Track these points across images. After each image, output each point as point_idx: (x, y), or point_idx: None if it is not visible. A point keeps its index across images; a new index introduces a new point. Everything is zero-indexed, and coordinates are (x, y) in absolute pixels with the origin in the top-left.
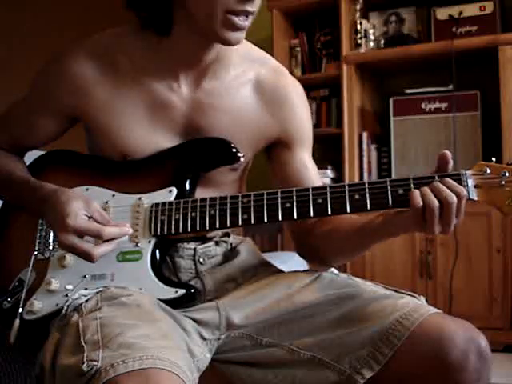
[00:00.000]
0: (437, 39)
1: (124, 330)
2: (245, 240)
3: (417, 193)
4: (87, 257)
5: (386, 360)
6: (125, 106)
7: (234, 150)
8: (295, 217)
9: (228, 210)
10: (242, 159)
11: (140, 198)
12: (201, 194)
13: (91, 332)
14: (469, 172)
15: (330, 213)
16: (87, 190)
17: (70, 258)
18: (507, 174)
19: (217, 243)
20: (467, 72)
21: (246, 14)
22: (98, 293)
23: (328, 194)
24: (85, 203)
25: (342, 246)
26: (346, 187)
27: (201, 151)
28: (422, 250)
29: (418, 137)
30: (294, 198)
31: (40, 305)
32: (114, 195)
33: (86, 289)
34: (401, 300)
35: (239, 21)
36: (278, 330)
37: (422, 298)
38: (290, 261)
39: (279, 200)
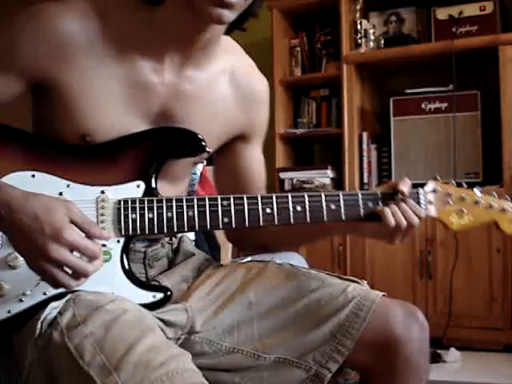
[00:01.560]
0: (437, 39)
1: (129, 346)
2: (183, 238)
3: (389, 211)
4: (78, 275)
5: (349, 351)
6: (102, 79)
7: (203, 144)
8: (276, 222)
9: (208, 213)
10: (210, 151)
11: (103, 192)
12: (158, 187)
13: (89, 353)
14: (425, 190)
15: (308, 221)
16: (33, 176)
17: (22, 258)
18: (452, 194)
19: (162, 245)
20: (467, 72)
21: None
22: (68, 301)
23: (307, 202)
24: (65, 208)
25: (292, 238)
26: (323, 197)
27: (168, 140)
28: (422, 250)
29: (418, 137)
30: (275, 204)
31: None
32: (68, 185)
33: (44, 293)
34: (348, 288)
35: None
36: (238, 334)
37: (364, 282)
38: (290, 260)
39: (260, 205)
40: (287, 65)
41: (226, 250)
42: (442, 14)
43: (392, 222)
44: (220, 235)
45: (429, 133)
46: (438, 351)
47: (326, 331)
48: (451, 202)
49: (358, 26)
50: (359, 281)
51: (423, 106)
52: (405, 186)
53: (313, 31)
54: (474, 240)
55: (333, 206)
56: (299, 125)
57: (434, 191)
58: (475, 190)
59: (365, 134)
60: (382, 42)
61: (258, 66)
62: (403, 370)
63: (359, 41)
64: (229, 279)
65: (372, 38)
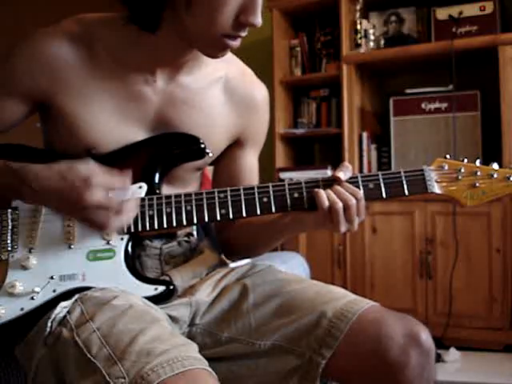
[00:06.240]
0: (437, 39)
1: (133, 337)
2: (201, 237)
3: (322, 193)
4: (118, 212)
5: (342, 336)
6: (97, 95)
7: (203, 146)
8: (273, 210)
9: (205, 205)
10: (210, 155)
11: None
12: (165, 191)
13: (96, 346)
14: (430, 168)
15: (306, 207)
16: None
17: (34, 259)
18: (462, 170)
19: (179, 243)
20: (467, 72)
21: (239, 37)
22: (76, 300)
23: (304, 188)
24: (86, 165)
25: (251, 240)
26: (321, 183)
27: (170, 146)
28: (422, 250)
29: (418, 137)
30: (271, 192)
31: (3, 310)
32: None
33: (54, 291)
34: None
35: (232, 42)
36: (236, 323)
37: None
38: (290, 261)
39: (256, 195)
40: (287, 65)
41: None
42: (441, 14)
43: (326, 203)
44: None
45: (429, 133)
46: (438, 351)
47: (322, 315)
48: (461, 177)
49: (358, 26)
50: None
51: (423, 105)
52: (341, 171)
53: (313, 31)
54: (474, 240)
55: (296, 195)
56: (299, 125)
57: (441, 168)
58: (494, 164)
59: (365, 134)
60: (382, 42)
61: (258, 66)
62: None
63: (359, 41)
64: (233, 272)
65: (372, 37)
